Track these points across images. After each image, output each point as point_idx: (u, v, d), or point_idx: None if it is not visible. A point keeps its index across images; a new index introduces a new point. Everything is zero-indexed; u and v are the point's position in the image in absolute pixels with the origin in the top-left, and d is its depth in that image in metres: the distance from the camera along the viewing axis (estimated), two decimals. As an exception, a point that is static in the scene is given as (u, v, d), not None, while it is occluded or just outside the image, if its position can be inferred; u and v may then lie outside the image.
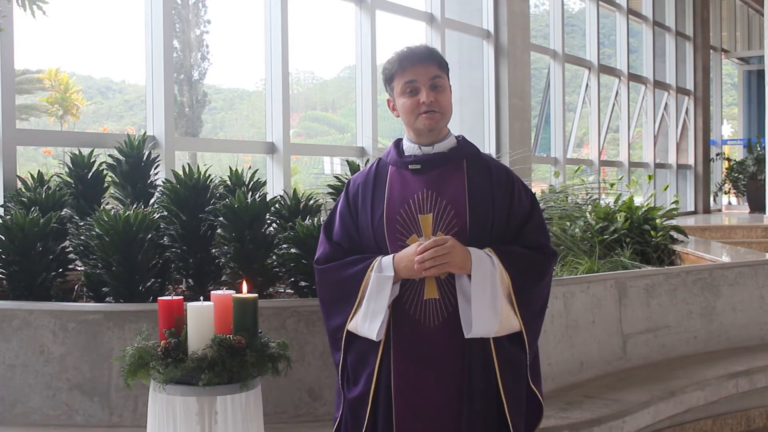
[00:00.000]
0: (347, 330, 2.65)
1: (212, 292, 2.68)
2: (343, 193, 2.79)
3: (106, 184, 4.28)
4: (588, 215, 6.68)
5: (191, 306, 2.59)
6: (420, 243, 2.54)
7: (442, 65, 2.69)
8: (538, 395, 2.73)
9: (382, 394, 2.62)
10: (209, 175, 3.96)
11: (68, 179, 4.20)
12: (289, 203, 3.98)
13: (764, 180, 14.38)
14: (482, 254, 2.56)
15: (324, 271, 2.72)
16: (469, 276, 2.55)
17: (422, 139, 2.68)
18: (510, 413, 2.60)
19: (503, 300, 2.57)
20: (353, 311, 2.62)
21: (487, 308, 2.54)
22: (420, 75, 2.62)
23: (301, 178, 8.86)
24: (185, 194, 3.83)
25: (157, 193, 4.21)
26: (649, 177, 10.68)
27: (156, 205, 4.01)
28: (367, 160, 4.26)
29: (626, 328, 4.80)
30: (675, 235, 6.94)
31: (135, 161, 4.29)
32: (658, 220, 6.68)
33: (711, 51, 16.99)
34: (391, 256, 2.59)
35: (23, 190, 4.21)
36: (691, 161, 15.88)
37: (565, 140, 11.36)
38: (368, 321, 2.59)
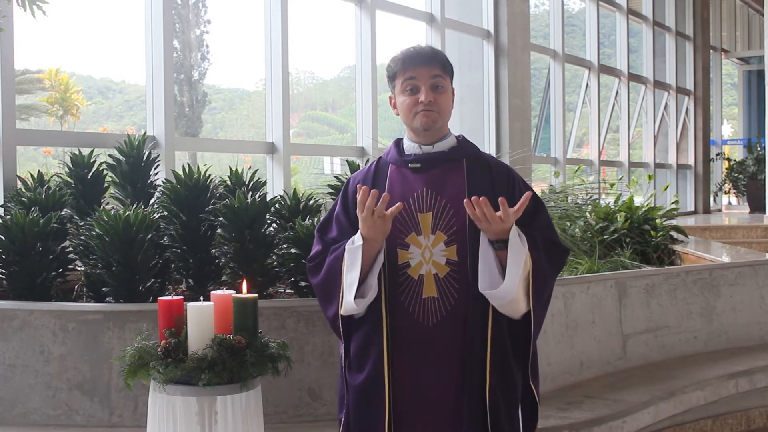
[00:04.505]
0: (342, 316, 2.63)
1: (212, 292, 2.68)
2: (340, 193, 2.79)
3: (106, 184, 4.28)
4: (588, 215, 6.69)
5: (191, 306, 2.59)
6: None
7: (446, 68, 2.69)
8: (535, 394, 2.72)
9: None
10: (209, 175, 3.96)
11: (68, 179, 4.20)
12: (289, 203, 3.98)
13: (764, 180, 14.38)
14: (515, 229, 2.55)
15: (314, 267, 2.73)
16: (495, 242, 2.54)
17: (422, 138, 2.68)
18: (491, 412, 2.58)
19: (521, 277, 2.54)
20: (340, 294, 2.61)
21: (514, 273, 2.51)
22: (421, 74, 2.63)
23: (301, 178, 8.87)
24: (185, 194, 3.83)
25: (157, 193, 4.21)
26: (649, 177, 10.67)
27: (156, 205, 4.01)
28: (367, 160, 4.26)
29: (626, 328, 4.80)
30: (675, 235, 6.94)
31: (135, 161, 4.29)
32: (658, 220, 6.68)
33: (711, 51, 16.99)
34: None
35: (23, 190, 4.21)
36: (691, 161, 15.88)
37: (565, 140, 11.36)
38: (347, 293, 2.58)
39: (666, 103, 15.39)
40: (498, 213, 2.48)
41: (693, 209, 15.71)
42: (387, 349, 2.59)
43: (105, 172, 4.28)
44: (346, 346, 2.69)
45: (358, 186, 2.56)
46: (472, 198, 2.47)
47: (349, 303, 2.57)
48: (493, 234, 2.53)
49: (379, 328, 2.60)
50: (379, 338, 2.60)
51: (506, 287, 2.52)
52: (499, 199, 2.50)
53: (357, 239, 2.58)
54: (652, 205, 7.12)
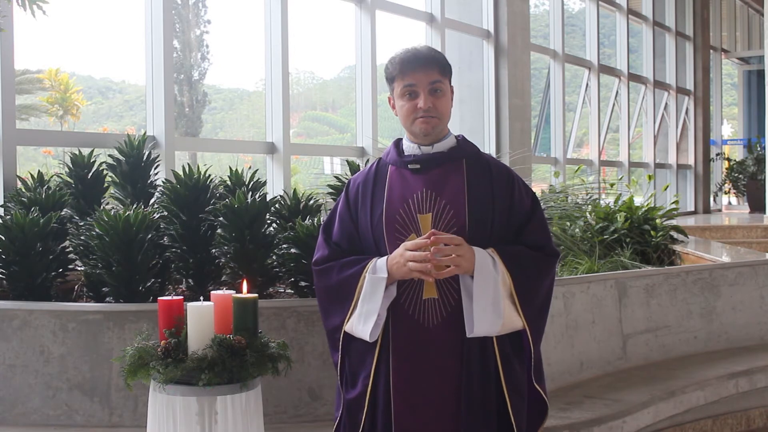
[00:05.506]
0: (344, 331, 2.65)
1: (212, 292, 2.68)
2: (342, 194, 2.79)
3: (106, 184, 4.28)
4: (588, 215, 6.68)
5: (191, 306, 2.59)
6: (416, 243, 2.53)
7: (444, 70, 2.67)
8: (543, 395, 2.73)
9: (380, 394, 2.62)
10: (209, 175, 3.96)
11: (68, 179, 4.20)
12: (289, 203, 3.98)
13: (764, 180, 14.38)
14: (485, 254, 2.56)
15: (322, 273, 2.72)
16: (472, 276, 2.55)
17: (421, 140, 2.68)
18: (513, 413, 2.60)
19: (506, 301, 2.57)
20: (350, 313, 2.63)
21: (489, 309, 2.54)
22: (420, 80, 2.61)
23: (301, 178, 8.86)
24: (185, 194, 3.83)
25: (157, 193, 4.21)
26: (649, 177, 10.67)
27: (156, 205, 4.01)
28: (367, 160, 4.26)
29: (626, 328, 4.80)
30: (675, 235, 6.93)
31: (135, 161, 4.29)
32: (658, 220, 6.67)
33: (711, 51, 16.99)
34: (386, 257, 2.59)
35: (23, 190, 4.21)
36: (691, 161, 15.88)
37: (565, 140, 11.36)
38: (362, 322, 2.59)
39: (666, 103, 15.39)
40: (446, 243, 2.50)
41: (693, 209, 15.71)
42: (376, 365, 2.61)
43: (105, 172, 4.28)
44: (342, 358, 2.70)
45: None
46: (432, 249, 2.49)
47: (365, 332, 2.58)
48: (464, 270, 2.54)
49: (374, 344, 2.61)
50: (374, 351, 2.61)
51: (481, 330, 2.54)
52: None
53: (380, 269, 2.57)
54: (652, 205, 7.10)
